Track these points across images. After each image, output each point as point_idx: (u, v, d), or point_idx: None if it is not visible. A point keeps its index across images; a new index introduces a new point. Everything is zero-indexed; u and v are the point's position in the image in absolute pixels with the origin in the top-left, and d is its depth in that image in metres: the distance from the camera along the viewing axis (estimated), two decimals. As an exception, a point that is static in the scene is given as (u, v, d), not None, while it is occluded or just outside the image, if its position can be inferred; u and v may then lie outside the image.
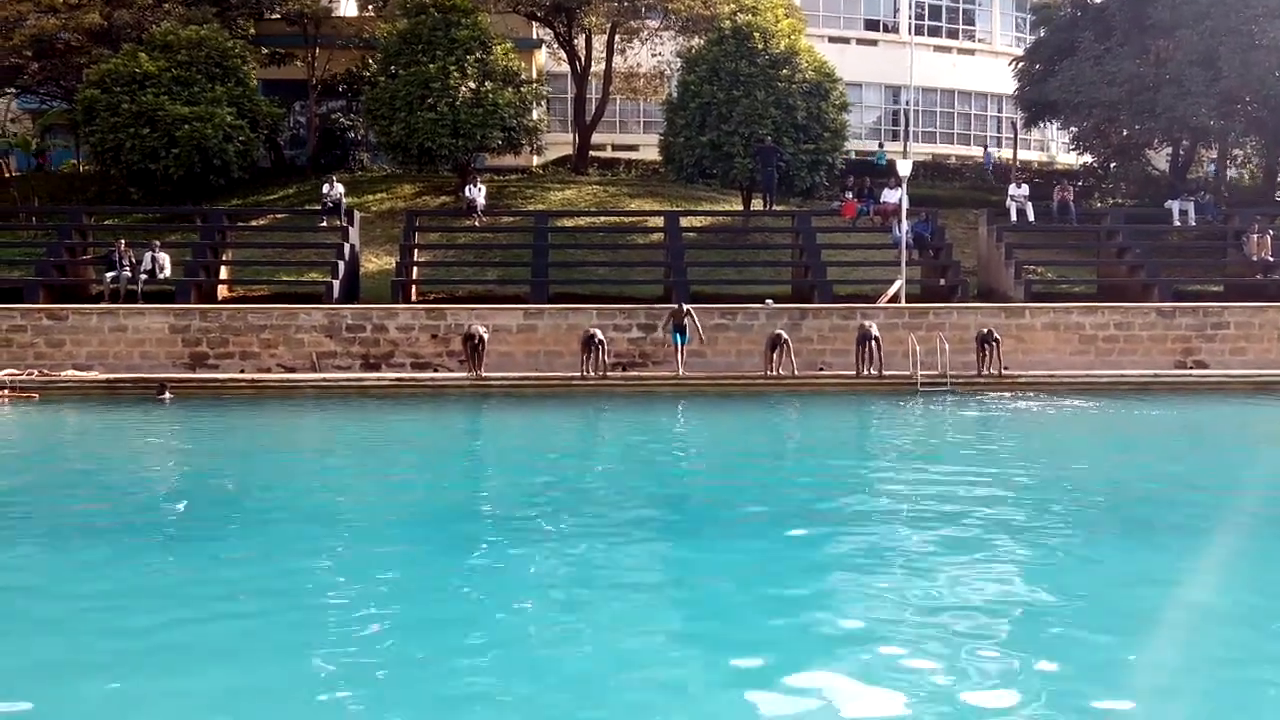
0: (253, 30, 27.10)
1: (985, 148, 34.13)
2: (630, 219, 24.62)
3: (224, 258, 21.83)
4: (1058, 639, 5.55)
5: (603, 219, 24.43)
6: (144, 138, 22.76)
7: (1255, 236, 21.88)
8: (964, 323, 18.83)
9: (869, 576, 6.70)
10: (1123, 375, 18.13)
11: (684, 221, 23.09)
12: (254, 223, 24.20)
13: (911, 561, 7.01)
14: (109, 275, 19.83)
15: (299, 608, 6.13)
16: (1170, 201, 24.11)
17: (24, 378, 17.00)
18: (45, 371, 17.43)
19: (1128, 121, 25.36)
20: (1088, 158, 29.12)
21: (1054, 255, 23.12)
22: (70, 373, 17.53)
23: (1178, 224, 23.69)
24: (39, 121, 28.41)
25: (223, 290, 21.12)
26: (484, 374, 17.26)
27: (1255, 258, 21.80)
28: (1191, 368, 18.82)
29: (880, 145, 33.20)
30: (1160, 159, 29.29)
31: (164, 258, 20.24)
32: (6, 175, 26.77)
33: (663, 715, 4.70)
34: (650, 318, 18.69)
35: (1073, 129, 28.02)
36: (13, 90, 27.71)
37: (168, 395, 16.36)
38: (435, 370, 18.16)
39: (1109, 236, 23.18)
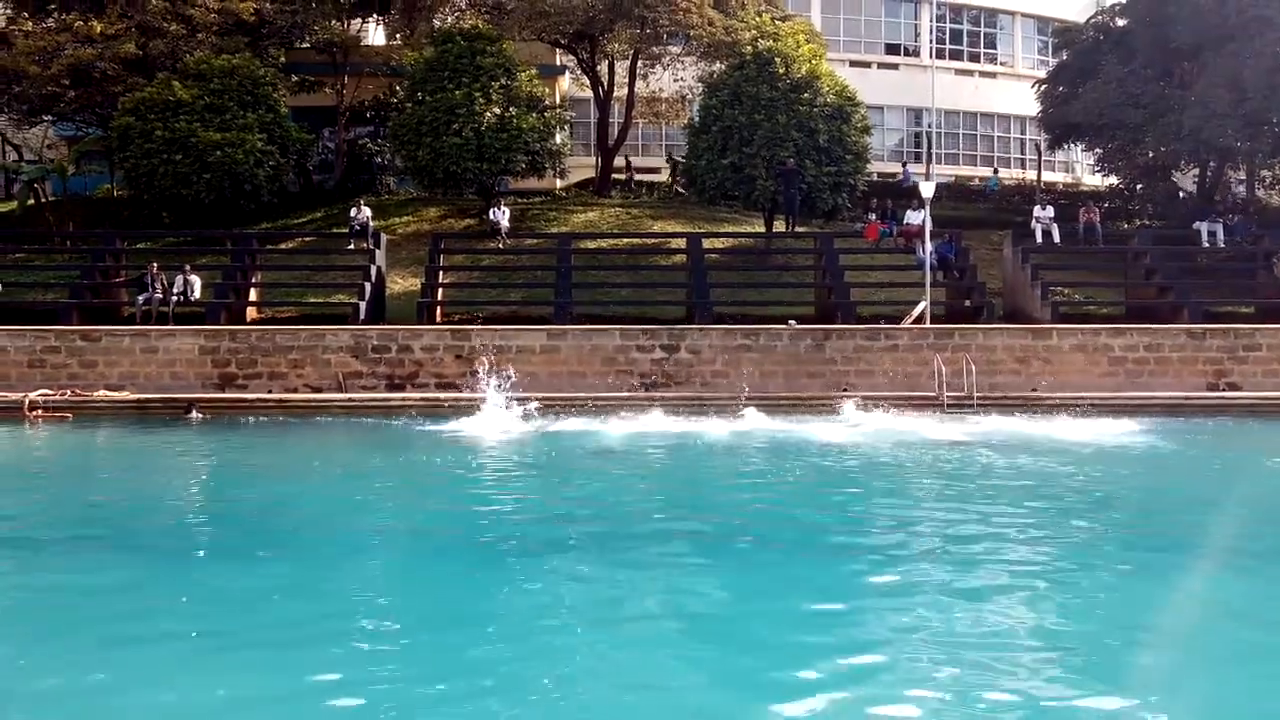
0: (283, 59, 27.65)
1: (995, 170, 33.73)
2: (653, 240, 24.74)
3: (253, 280, 22.17)
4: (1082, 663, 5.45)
5: (625, 241, 24.57)
6: (176, 163, 23.25)
7: (1286, 258, 21.63)
8: (990, 344, 18.72)
9: (885, 598, 6.63)
10: (1152, 397, 17.89)
11: (706, 243, 23.17)
12: (283, 246, 24.56)
13: (940, 586, 6.93)
14: (141, 297, 20.20)
15: (321, 629, 6.13)
16: (1198, 223, 23.89)
17: (58, 398, 17.29)
18: (78, 391, 17.71)
19: (1152, 143, 25.24)
20: (1113, 179, 28.96)
21: (1080, 277, 22.95)
22: (103, 393, 17.80)
23: (1206, 245, 23.45)
24: (75, 148, 29.06)
25: (251, 312, 21.41)
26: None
27: (1286, 279, 21.52)
28: (1224, 390, 18.54)
29: (995, 172, 32.81)
30: (1187, 180, 29.06)
31: (195, 280, 20.59)
32: (42, 200, 27.38)
33: None
34: (673, 338, 18.72)
35: (1097, 150, 27.91)
36: (50, 117, 28.38)
37: (195, 415, 16.58)
38: (459, 390, 18.26)
39: (1136, 258, 22.98)
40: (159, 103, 23.55)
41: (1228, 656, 5.59)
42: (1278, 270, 21.79)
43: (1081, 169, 36.31)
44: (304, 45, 27.94)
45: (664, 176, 31.01)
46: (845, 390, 18.16)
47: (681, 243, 23.24)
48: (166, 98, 23.54)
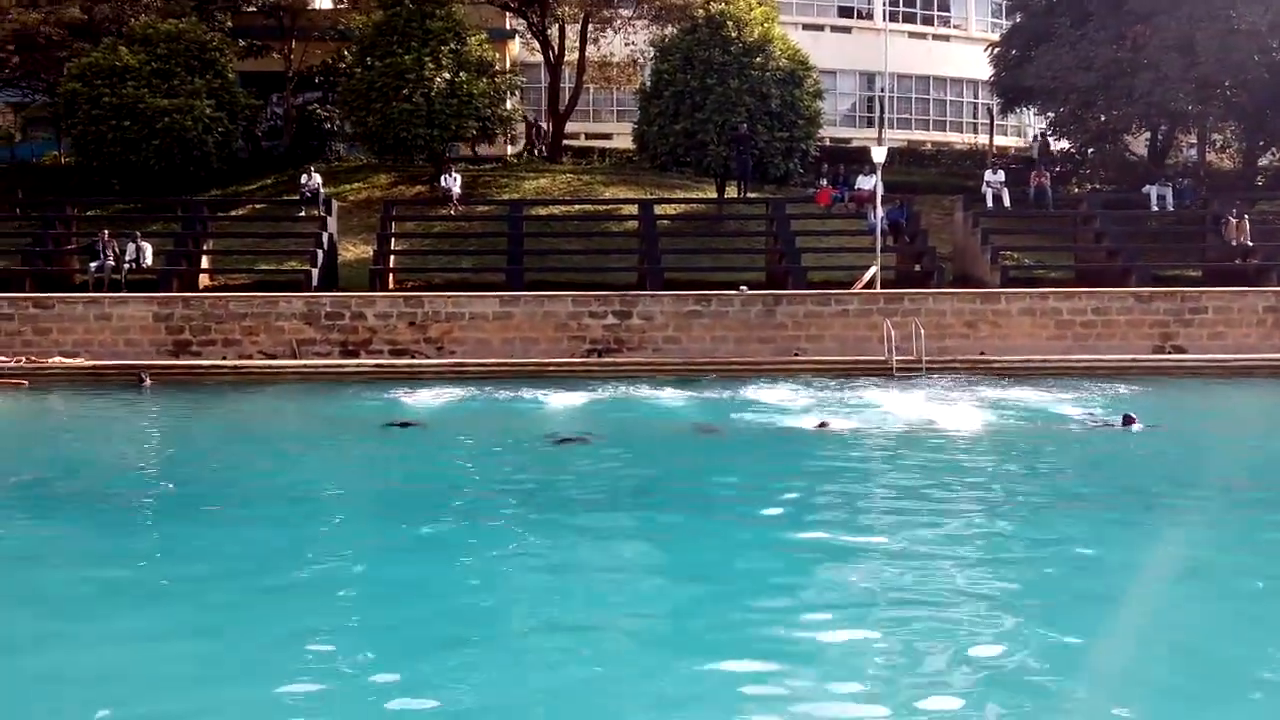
0: (230, 23, 27.16)
1: (1041, 134, 30.95)
2: (605, 207, 24.71)
3: (205, 247, 22.05)
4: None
5: (577, 207, 24.53)
6: (124, 130, 22.91)
7: (1234, 221, 21.89)
8: (939, 308, 18.94)
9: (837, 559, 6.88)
10: (1099, 360, 18.11)
11: (658, 209, 23.19)
12: (233, 213, 24.34)
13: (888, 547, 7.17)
14: (93, 265, 20.15)
15: (269, 591, 6.28)
16: (1148, 187, 24.19)
17: (13, 365, 17.21)
18: (33, 359, 17.63)
19: (1105, 107, 25.42)
20: (1065, 143, 29.12)
21: (1030, 241, 23.24)
22: (57, 360, 17.74)
23: (1155, 209, 23.78)
24: (21, 114, 28.47)
25: (204, 279, 21.35)
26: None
27: (1234, 242, 21.81)
28: (1170, 352, 18.74)
29: (1040, 135, 30.51)
30: (1139, 144, 29.35)
31: (146, 247, 20.49)
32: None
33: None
34: (625, 304, 18.84)
35: (1050, 114, 28.06)
36: (-6, 84, 27.73)
37: (148, 382, 16.60)
38: (413, 356, 18.33)
39: (1086, 222, 23.27)
40: (105, 68, 23.16)
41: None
42: (1226, 233, 22.13)
43: (1033, 133, 36.39)
44: (251, 9, 27.44)
45: (615, 142, 30.81)
46: (796, 355, 18.43)
47: (634, 209, 23.25)
48: (113, 63, 23.15)
